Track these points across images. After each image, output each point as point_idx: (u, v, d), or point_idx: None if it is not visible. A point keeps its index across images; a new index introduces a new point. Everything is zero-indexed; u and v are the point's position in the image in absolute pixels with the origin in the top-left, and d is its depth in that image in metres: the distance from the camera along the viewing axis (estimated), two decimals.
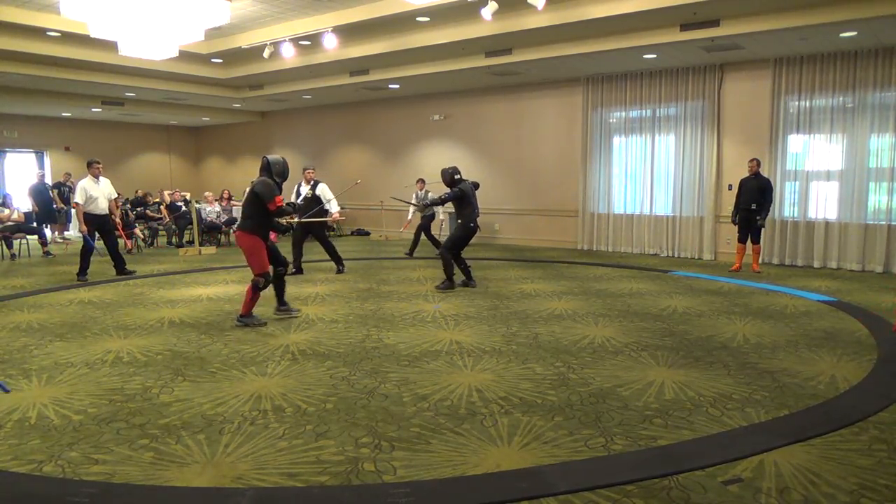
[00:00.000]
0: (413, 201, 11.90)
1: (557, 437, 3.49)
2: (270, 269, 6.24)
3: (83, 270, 8.87)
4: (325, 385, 4.38)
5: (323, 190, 9.42)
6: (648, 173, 11.72)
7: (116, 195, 9.75)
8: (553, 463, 3.19)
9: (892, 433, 3.52)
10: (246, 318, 6.14)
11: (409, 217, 12.39)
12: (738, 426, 3.64)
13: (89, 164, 8.95)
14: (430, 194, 11.74)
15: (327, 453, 3.30)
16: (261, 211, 6.01)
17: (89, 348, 5.36)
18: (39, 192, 14.65)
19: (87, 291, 8.10)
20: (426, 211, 10.78)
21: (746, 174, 9.50)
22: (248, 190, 6.26)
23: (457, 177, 7.99)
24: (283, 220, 7.47)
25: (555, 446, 3.38)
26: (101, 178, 9.07)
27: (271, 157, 6.24)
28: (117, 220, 9.77)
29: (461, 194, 7.91)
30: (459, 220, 8.08)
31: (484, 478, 3.05)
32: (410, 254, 11.70)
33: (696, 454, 3.28)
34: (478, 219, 8.13)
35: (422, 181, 12.28)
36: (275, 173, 6.14)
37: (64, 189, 15.57)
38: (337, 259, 9.56)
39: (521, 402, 4.03)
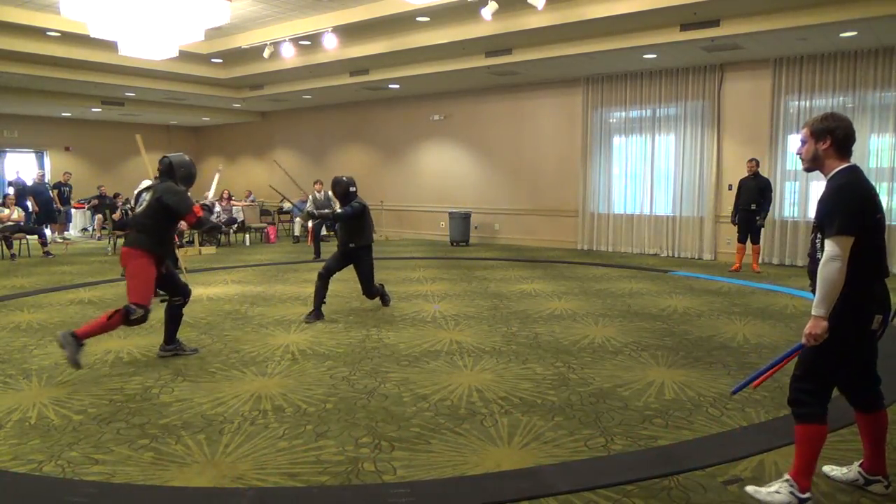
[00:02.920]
0: (309, 206, 11.34)
1: (557, 437, 3.49)
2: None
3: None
4: (325, 385, 4.38)
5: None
6: (648, 173, 11.72)
7: None
8: (553, 463, 3.19)
9: (893, 433, 3.52)
10: (75, 341, 4.45)
11: (310, 226, 11.93)
12: (738, 426, 3.64)
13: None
14: (329, 194, 11.02)
15: (327, 453, 3.30)
16: (163, 225, 4.83)
17: (89, 348, 5.33)
18: (39, 192, 14.66)
19: (87, 291, 8.10)
20: (311, 219, 8.37)
21: (746, 174, 9.50)
22: (143, 196, 4.93)
23: (352, 189, 6.77)
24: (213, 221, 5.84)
25: (555, 446, 3.38)
26: None
27: (174, 156, 5.05)
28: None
29: (363, 210, 6.70)
30: (352, 244, 6.61)
31: (484, 478, 3.05)
32: (318, 255, 11.33)
33: (696, 454, 3.28)
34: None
35: (320, 182, 12.11)
36: (179, 178, 4.96)
37: (64, 189, 15.58)
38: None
39: (521, 402, 4.03)
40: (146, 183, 6.11)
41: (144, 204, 4.85)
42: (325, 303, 6.54)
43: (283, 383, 4.43)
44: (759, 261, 9.82)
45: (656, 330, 5.97)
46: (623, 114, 11.92)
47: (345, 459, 3.23)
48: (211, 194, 7.77)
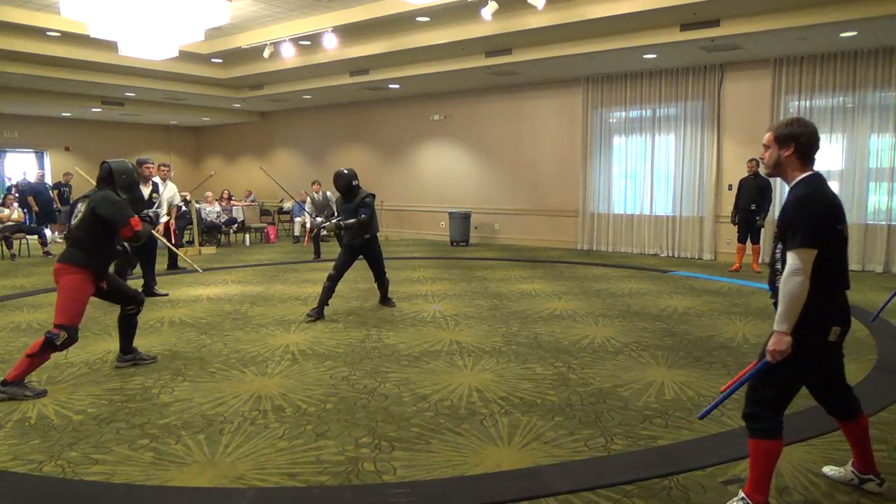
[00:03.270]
0: (308, 207, 11.12)
1: (557, 437, 3.49)
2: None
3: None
4: (325, 385, 4.38)
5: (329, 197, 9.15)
6: (648, 173, 11.72)
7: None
8: (553, 463, 3.19)
9: (893, 433, 3.52)
10: (13, 387, 4.15)
11: (308, 224, 11.73)
12: (738, 426, 3.63)
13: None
14: (328, 194, 11.19)
15: (327, 453, 3.30)
16: (101, 237, 4.41)
17: (89, 348, 5.36)
18: (39, 192, 14.67)
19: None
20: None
21: (746, 174, 9.50)
22: (79, 207, 4.53)
23: (355, 183, 6.66)
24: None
25: (555, 446, 3.38)
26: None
27: (115, 163, 4.59)
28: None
29: (372, 203, 6.72)
30: (367, 234, 6.66)
31: (484, 478, 3.05)
32: (318, 255, 11.27)
33: (696, 454, 3.28)
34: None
35: (318, 183, 12.07)
36: (119, 186, 4.52)
37: (64, 190, 15.59)
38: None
39: (521, 402, 4.03)
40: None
41: (80, 215, 4.43)
42: (328, 305, 6.56)
43: (283, 383, 4.43)
44: (759, 261, 9.82)
45: (656, 330, 5.97)
46: (623, 114, 11.92)
47: (345, 459, 3.23)
48: (188, 195, 7.70)
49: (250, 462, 3.20)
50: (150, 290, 7.66)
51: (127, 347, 4.91)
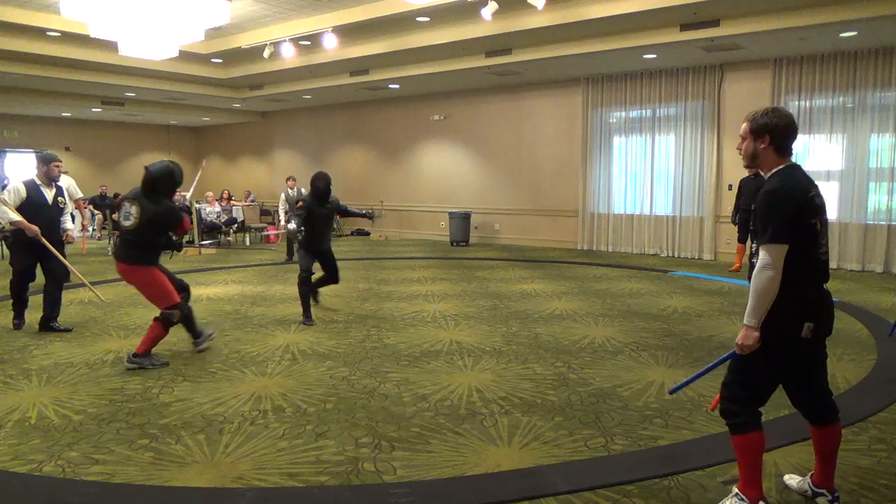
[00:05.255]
0: (282, 204, 10.91)
1: (557, 437, 3.49)
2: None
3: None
4: (325, 385, 4.38)
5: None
6: (648, 173, 11.72)
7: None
8: (553, 463, 3.19)
9: (892, 433, 3.52)
10: (142, 358, 4.78)
11: (283, 221, 11.11)
12: None
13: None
14: (303, 191, 10.60)
15: (327, 453, 3.30)
16: (154, 237, 4.88)
17: (89, 348, 5.36)
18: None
19: (87, 291, 8.08)
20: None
21: (746, 174, 9.49)
22: (129, 210, 4.74)
23: (331, 186, 6.56)
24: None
25: (555, 446, 3.38)
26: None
27: (156, 168, 4.90)
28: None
29: None
30: (328, 244, 6.71)
31: (484, 478, 3.05)
32: (291, 257, 11.01)
33: (696, 454, 3.28)
34: None
35: (293, 179, 11.82)
36: (162, 192, 4.87)
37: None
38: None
39: (521, 402, 4.03)
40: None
41: (133, 220, 4.76)
42: (316, 303, 6.55)
43: (283, 383, 4.43)
44: None
45: (656, 330, 5.97)
46: (623, 114, 11.92)
47: (345, 459, 3.23)
48: (189, 194, 6.96)
49: (250, 462, 3.20)
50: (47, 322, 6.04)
51: (196, 332, 5.22)
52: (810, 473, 2.81)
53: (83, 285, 7.25)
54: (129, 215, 4.79)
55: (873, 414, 3.80)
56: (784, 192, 2.47)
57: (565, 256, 11.49)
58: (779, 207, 2.44)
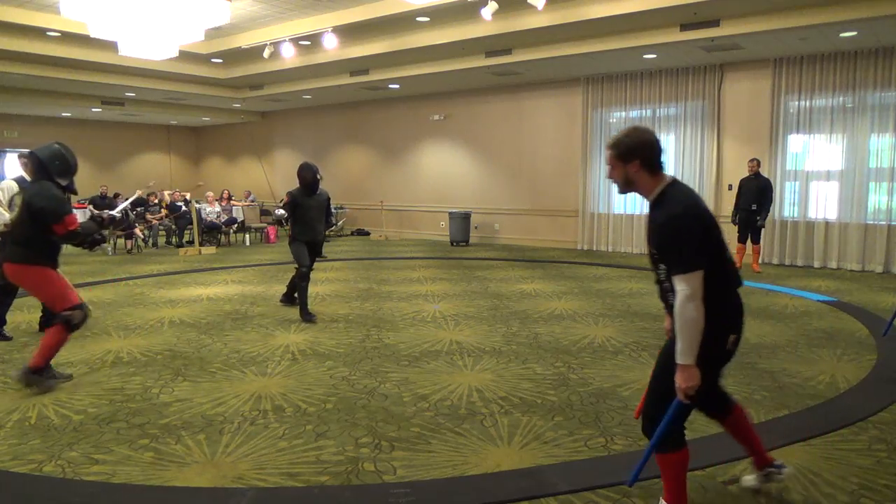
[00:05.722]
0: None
1: (557, 437, 3.49)
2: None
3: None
4: (325, 385, 4.38)
5: None
6: None
7: None
8: (553, 463, 3.19)
9: (892, 433, 3.52)
10: (39, 376, 4.21)
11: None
12: None
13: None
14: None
15: (327, 453, 3.30)
16: (39, 231, 4.21)
17: (89, 348, 5.36)
18: None
19: (87, 292, 8.09)
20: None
21: (746, 174, 9.50)
22: (13, 201, 4.26)
23: (319, 176, 6.55)
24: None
25: (555, 446, 3.38)
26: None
27: (42, 150, 4.27)
28: None
29: None
30: (322, 234, 6.78)
31: (484, 478, 3.05)
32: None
33: (696, 454, 3.27)
34: None
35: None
36: (55, 173, 4.22)
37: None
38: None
39: (521, 402, 4.03)
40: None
41: (17, 210, 4.19)
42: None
43: (283, 383, 4.43)
44: (759, 261, 9.83)
45: (656, 330, 5.96)
46: (623, 114, 11.92)
47: (345, 459, 3.23)
48: (117, 211, 5.47)
49: (250, 462, 3.20)
50: None
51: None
52: (751, 463, 2.85)
53: (80, 285, 7.26)
54: (14, 206, 4.37)
55: (873, 414, 3.80)
56: (688, 216, 2.34)
57: (565, 256, 11.49)
58: (686, 234, 2.31)
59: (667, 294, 2.46)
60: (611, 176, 2.55)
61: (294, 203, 6.44)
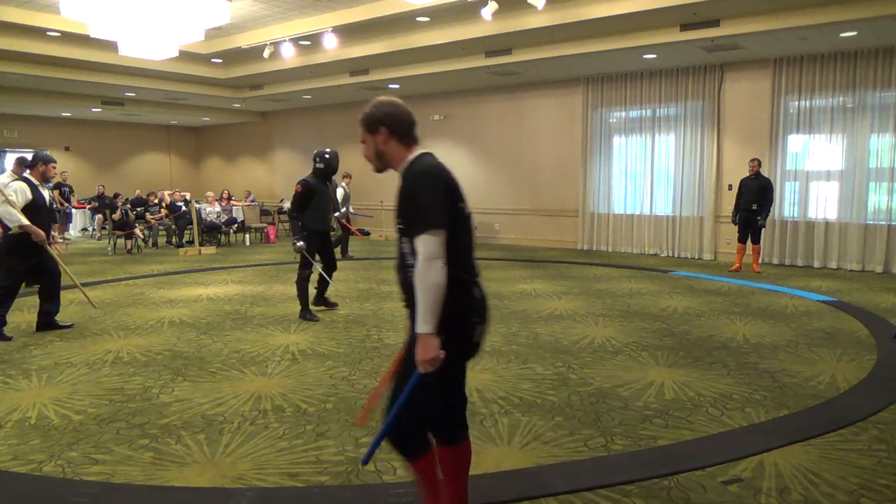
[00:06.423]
0: (341, 201, 10.99)
1: (557, 437, 3.49)
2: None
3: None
4: (325, 385, 4.38)
5: None
6: (648, 173, 11.71)
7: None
8: (553, 463, 3.19)
9: (892, 433, 3.52)
10: None
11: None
12: (738, 426, 3.64)
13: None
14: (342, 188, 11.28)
15: (327, 453, 3.30)
16: None
17: (89, 348, 5.36)
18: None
19: (87, 291, 8.09)
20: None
21: (747, 174, 9.50)
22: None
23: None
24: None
25: (555, 446, 3.38)
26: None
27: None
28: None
29: None
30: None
31: (484, 478, 3.05)
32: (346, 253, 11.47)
33: (696, 454, 3.28)
34: None
35: (349, 176, 12.05)
36: None
37: (65, 189, 15.60)
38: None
39: (521, 402, 4.03)
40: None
41: None
42: None
43: (283, 383, 4.43)
44: (759, 261, 9.83)
45: (656, 330, 5.97)
46: (623, 114, 11.92)
47: (345, 459, 3.23)
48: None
49: (250, 462, 3.20)
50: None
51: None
52: None
53: (77, 286, 7.25)
54: None
55: (873, 414, 3.80)
56: (429, 173, 2.17)
57: (565, 256, 11.49)
58: (430, 190, 2.12)
59: (407, 275, 2.20)
60: (365, 155, 2.39)
61: (310, 192, 6.37)
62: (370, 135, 2.34)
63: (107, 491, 2.93)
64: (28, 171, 5.77)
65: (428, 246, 2.07)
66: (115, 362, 4.95)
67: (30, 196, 5.55)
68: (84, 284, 8.56)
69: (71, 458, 3.26)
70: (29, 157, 6.13)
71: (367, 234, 13.38)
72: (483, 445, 3.39)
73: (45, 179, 5.81)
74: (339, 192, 11.06)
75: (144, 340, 5.61)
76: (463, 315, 2.19)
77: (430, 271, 2.05)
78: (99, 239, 14.93)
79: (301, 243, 6.30)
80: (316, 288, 6.81)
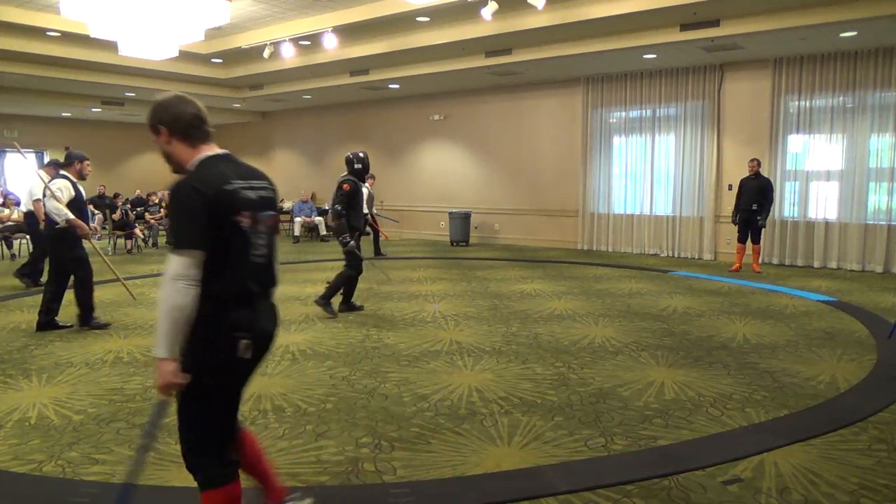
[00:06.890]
0: (366, 202, 11.20)
1: (557, 437, 3.49)
2: None
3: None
4: (325, 385, 4.38)
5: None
6: (648, 173, 11.72)
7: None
8: (553, 463, 3.19)
9: (892, 433, 3.52)
10: None
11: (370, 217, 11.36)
12: (738, 426, 3.64)
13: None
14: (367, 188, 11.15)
15: (327, 453, 3.30)
16: None
17: (89, 348, 5.36)
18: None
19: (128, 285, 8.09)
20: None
21: (746, 174, 9.51)
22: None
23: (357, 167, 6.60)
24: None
25: (555, 446, 3.38)
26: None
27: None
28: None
29: None
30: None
31: (484, 478, 3.05)
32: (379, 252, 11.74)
33: (696, 454, 3.28)
34: None
35: (372, 177, 12.07)
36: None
37: None
38: None
39: (521, 402, 4.03)
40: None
41: None
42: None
43: (283, 383, 4.43)
44: (759, 261, 9.83)
45: (656, 330, 5.97)
46: (623, 114, 11.92)
47: (345, 459, 3.23)
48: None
49: None
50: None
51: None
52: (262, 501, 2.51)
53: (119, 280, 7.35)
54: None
55: (873, 414, 3.80)
56: (188, 189, 2.05)
57: (565, 256, 11.49)
58: (184, 206, 2.03)
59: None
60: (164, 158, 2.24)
61: (356, 191, 6.55)
62: (155, 136, 2.22)
63: (107, 491, 2.93)
64: (63, 170, 6.05)
65: (172, 266, 1.99)
66: (115, 362, 4.95)
67: (73, 192, 5.80)
68: None
69: (71, 458, 3.26)
70: (33, 156, 6.39)
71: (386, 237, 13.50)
72: (483, 445, 3.39)
73: (80, 177, 6.02)
74: (364, 192, 11.13)
75: (144, 340, 5.60)
76: (219, 331, 2.09)
77: (171, 292, 1.98)
78: (99, 239, 14.93)
79: (353, 242, 6.50)
80: (343, 292, 6.83)
